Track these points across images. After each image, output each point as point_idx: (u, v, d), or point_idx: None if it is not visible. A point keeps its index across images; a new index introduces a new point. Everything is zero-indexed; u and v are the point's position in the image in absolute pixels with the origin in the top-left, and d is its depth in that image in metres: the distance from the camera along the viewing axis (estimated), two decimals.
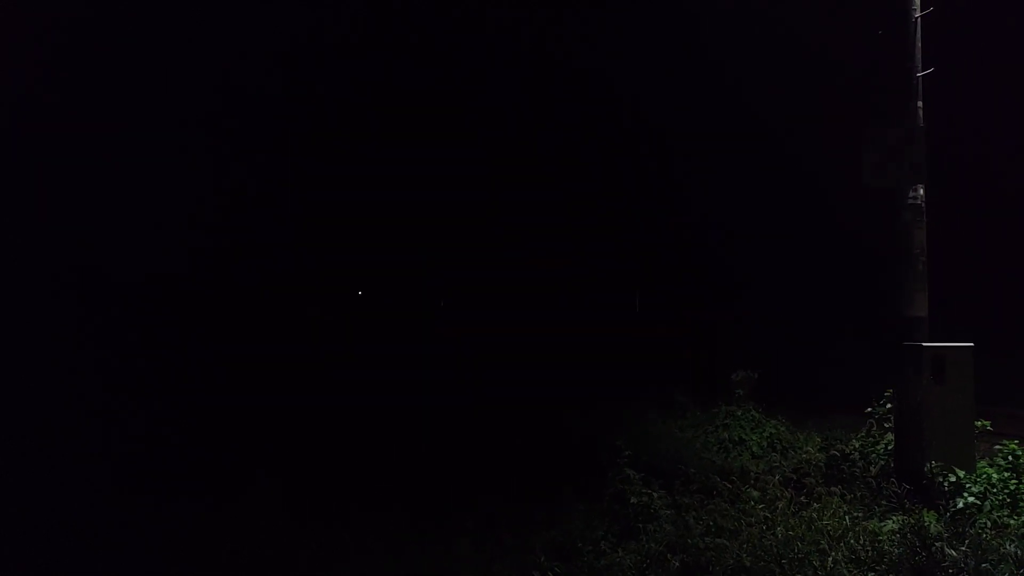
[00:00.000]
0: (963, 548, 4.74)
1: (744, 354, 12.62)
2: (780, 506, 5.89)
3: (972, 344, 7.26)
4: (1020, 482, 6.16)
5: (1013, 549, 4.89)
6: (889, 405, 7.85)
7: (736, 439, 9.15)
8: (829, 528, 5.36)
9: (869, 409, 8.42)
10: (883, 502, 6.16)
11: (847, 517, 5.59)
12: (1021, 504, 5.94)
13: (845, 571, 4.75)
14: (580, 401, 12.75)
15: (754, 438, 9.19)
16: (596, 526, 5.71)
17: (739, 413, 9.86)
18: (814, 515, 5.65)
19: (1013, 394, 14.00)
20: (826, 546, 5.05)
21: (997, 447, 6.75)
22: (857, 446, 7.76)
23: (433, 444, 9.32)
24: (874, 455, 7.60)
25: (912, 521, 5.28)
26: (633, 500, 5.80)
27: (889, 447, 7.54)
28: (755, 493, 6.22)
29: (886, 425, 8.05)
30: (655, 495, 5.91)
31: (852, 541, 5.14)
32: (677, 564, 4.97)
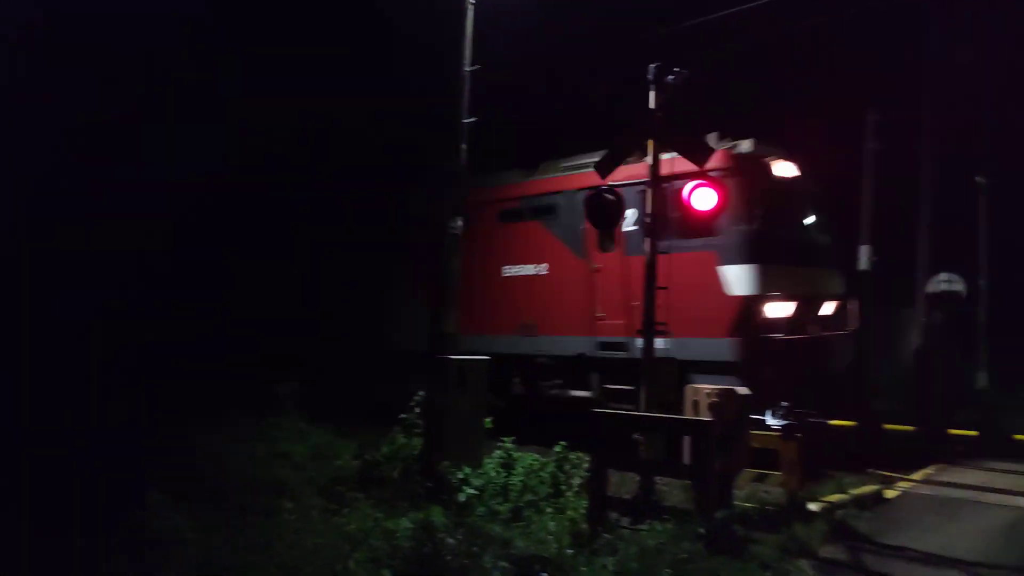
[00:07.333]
0: (459, 536, 5.50)
1: (296, 365, 12.73)
2: (313, 515, 6.09)
3: (488, 358, 8.63)
4: (510, 475, 7.40)
5: (499, 531, 5.85)
6: (418, 411, 8.72)
7: (280, 451, 9.15)
8: (353, 531, 5.71)
9: (404, 416, 9.22)
10: (405, 502, 6.80)
11: (371, 519, 6.04)
12: (510, 493, 7.13)
13: (363, 571, 5.11)
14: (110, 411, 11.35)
15: (299, 449, 9.28)
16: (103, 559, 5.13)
17: (284, 424, 9.90)
18: (343, 520, 5.97)
19: None
20: (349, 549, 5.37)
21: (498, 445, 7.98)
22: (386, 451, 8.35)
23: None
24: (403, 458, 8.31)
25: (423, 516, 5.94)
26: (155, 526, 5.40)
27: (418, 450, 8.34)
28: (289, 505, 6.33)
29: (417, 430, 8.89)
30: (178, 518, 5.59)
31: (373, 541, 5.56)
32: None
